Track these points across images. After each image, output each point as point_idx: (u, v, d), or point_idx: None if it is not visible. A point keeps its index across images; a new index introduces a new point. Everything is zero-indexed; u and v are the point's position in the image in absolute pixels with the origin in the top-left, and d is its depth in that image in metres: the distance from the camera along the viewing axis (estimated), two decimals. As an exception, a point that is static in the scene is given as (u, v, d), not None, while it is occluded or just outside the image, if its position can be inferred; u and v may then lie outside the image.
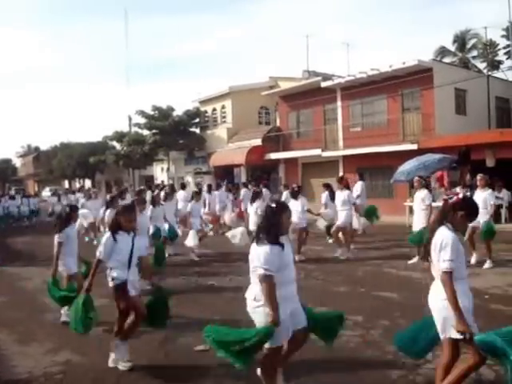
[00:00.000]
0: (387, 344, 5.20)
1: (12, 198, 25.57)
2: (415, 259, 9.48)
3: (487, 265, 9.05)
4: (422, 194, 9.83)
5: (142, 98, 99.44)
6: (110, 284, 4.91)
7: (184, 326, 6.20)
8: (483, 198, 9.10)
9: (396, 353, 4.90)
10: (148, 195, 14.72)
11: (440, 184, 17.93)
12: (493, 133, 18.42)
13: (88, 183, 43.78)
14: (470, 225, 8.59)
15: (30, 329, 6.43)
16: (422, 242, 8.52)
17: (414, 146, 18.40)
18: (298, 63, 70.05)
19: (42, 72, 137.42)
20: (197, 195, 12.51)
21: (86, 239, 13.97)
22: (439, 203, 15.55)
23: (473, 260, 9.21)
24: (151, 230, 9.63)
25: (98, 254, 4.97)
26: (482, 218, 8.74)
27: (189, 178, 31.79)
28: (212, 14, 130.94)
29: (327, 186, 12.15)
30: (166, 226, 10.69)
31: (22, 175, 63.76)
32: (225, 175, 27.44)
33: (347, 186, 11.12)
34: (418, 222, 9.70)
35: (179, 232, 11.92)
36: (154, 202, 10.46)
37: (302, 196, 10.94)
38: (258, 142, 26.32)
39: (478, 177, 9.68)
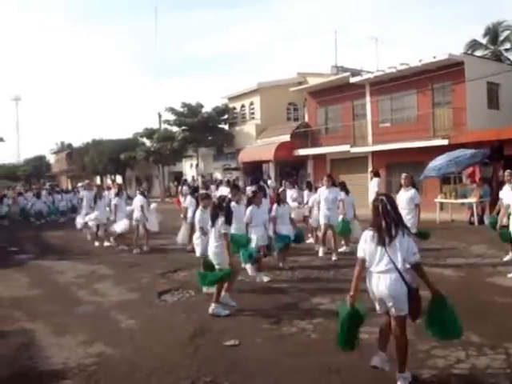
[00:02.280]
0: (419, 342, 5.14)
1: (37, 195, 23.85)
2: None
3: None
4: (409, 194, 9.04)
5: (171, 95, 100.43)
6: None
7: (213, 320, 6.26)
8: None
9: (428, 351, 4.86)
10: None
11: (472, 180, 17.59)
12: (527, 127, 17.90)
13: (119, 179, 44.46)
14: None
15: (65, 321, 6.59)
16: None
17: (445, 142, 18.08)
18: (326, 59, 69.64)
19: (75, 71, 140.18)
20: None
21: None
22: (471, 200, 15.33)
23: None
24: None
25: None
26: None
27: (217, 175, 31.97)
28: (240, 10, 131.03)
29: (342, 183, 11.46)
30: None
31: (55, 171, 65.13)
32: (253, 171, 27.50)
33: (334, 184, 10.70)
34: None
35: None
36: (279, 200, 9.62)
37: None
38: (286, 138, 26.28)
39: (506, 172, 9.41)
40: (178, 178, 35.54)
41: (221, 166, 32.53)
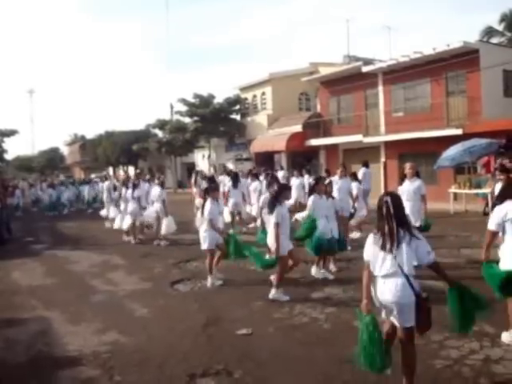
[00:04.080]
0: (432, 333, 5.11)
1: (51, 185, 24.00)
2: None
3: None
4: (415, 184, 8.48)
5: (183, 86, 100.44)
6: None
7: (225, 310, 6.30)
8: None
9: (441, 342, 4.85)
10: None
11: (487, 170, 17.36)
12: (544, 116, 17.62)
13: (131, 170, 44.67)
14: None
15: (80, 309, 6.69)
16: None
17: (459, 131, 17.86)
18: (338, 48, 69.00)
19: (88, 62, 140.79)
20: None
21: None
22: (485, 190, 15.16)
23: None
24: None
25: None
26: None
27: (230, 165, 31.98)
28: (251, 0, 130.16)
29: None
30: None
31: (69, 163, 65.62)
32: (265, 161, 27.46)
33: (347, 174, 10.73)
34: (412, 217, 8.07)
35: None
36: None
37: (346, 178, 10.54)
38: (298, 128, 26.16)
39: None
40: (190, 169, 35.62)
41: (233, 157, 32.51)
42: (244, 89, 32.07)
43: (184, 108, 32.86)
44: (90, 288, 7.93)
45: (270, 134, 28.38)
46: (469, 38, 19.16)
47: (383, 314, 3.87)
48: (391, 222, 3.71)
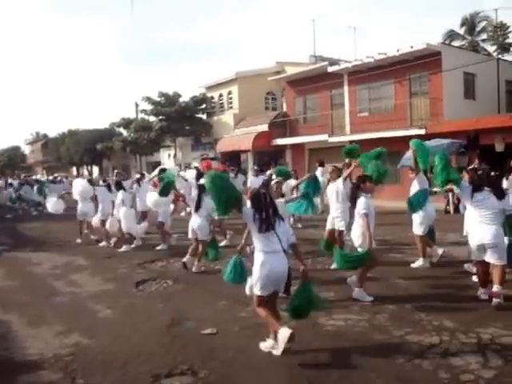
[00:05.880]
0: (394, 328, 5.23)
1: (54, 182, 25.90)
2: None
3: None
4: (340, 185, 8.32)
5: (148, 84, 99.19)
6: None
7: (190, 310, 6.27)
8: None
9: (402, 337, 4.96)
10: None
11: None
12: (502, 117, 18.18)
13: (95, 170, 43.94)
14: None
15: (41, 312, 6.52)
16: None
17: (422, 131, 18.26)
18: (304, 48, 69.67)
19: (49, 59, 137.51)
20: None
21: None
22: (445, 188, 15.52)
23: None
24: None
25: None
26: None
27: (196, 164, 31.77)
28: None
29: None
30: None
31: (30, 162, 64.07)
32: (232, 161, 27.41)
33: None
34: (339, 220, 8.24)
35: None
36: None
37: None
38: (264, 127, 26.24)
39: None
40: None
41: (199, 156, 32.28)
42: (210, 88, 31.93)
43: (149, 107, 32.44)
44: (51, 290, 7.75)
45: (237, 133, 28.36)
46: (432, 41, 19.63)
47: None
48: (268, 209, 4.60)
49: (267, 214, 4.57)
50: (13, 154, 65.74)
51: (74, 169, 47.38)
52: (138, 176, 14.62)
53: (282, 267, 4.62)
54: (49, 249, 11.90)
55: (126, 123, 35.32)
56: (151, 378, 4.31)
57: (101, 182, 14.74)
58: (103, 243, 11.72)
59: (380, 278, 7.32)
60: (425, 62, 19.00)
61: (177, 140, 32.80)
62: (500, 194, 6.12)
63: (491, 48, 30.65)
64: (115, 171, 16.73)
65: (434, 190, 10.00)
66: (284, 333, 4.45)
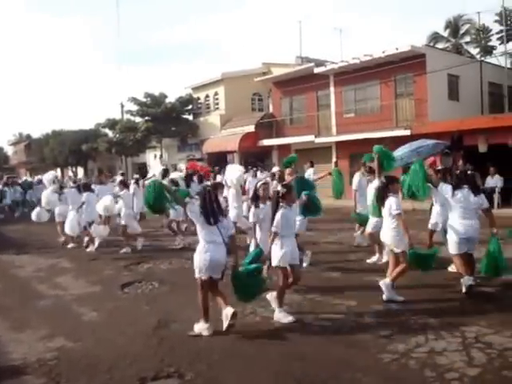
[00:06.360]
0: (380, 328, 5.25)
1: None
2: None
3: None
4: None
5: (134, 85, 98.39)
6: None
7: (176, 312, 6.22)
8: None
9: (389, 337, 4.98)
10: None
11: (433, 169, 17.97)
12: (485, 118, 18.45)
13: (81, 171, 43.50)
14: None
15: (24, 315, 6.42)
16: None
17: (407, 132, 18.42)
18: (291, 49, 69.59)
19: (33, 59, 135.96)
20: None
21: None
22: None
23: None
24: None
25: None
26: None
27: (182, 165, 31.66)
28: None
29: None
30: None
31: (13, 163, 63.23)
32: (218, 162, 27.37)
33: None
34: None
35: None
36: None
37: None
38: (251, 128, 26.25)
39: None
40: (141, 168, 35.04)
41: (185, 157, 32.23)
42: (196, 88, 31.86)
43: (135, 107, 32.30)
44: (35, 293, 7.64)
45: (223, 134, 28.35)
46: (417, 43, 19.83)
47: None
48: (214, 204, 5.26)
49: (213, 209, 5.25)
50: (-5, 155, 64.94)
51: (59, 170, 46.85)
52: (136, 176, 14.59)
53: (221, 256, 5.25)
54: (32, 251, 11.75)
55: (112, 124, 35.05)
56: (137, 381, 4.26)
57: (71, 184, 14.93)
58: (90, 248, 11.49)
59: (364, 279, 7.35)
60: (410, 63, 19.20)
61: (163, 141, 32.66)
62: (476, 190, 6.58)
63: (474, 50, 31.09)
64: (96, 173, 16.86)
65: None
66: (228, 311, 5.15)
